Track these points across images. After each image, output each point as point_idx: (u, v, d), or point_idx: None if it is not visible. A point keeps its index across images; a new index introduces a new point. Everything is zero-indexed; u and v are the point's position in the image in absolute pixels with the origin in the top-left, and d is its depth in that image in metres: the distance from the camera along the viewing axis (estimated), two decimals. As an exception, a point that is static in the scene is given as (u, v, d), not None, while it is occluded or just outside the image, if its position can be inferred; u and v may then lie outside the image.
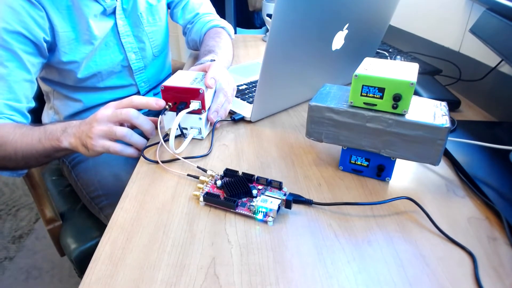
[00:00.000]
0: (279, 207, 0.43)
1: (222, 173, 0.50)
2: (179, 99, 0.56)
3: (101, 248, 0.40)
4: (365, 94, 0.46)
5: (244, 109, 0.70)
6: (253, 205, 0.43)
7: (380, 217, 0.44)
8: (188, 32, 1.01)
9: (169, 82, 0.57)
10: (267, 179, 0.48)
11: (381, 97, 0.45)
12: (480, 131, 0.63)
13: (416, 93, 0.73)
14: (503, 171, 0.52)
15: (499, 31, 0.65)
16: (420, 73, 0.81)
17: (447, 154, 0.57)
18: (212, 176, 0.50)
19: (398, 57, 0.93)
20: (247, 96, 0.75)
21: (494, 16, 0.68)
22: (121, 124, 0.55)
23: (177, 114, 0.55)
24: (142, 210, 0.45)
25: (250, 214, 0.44)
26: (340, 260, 0.38)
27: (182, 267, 0.37)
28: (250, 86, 0.81)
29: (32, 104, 0.70)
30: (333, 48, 0.69)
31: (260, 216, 0.43)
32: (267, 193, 0.46)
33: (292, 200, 0.45)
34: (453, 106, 0.73)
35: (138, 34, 0.85)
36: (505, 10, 0.65)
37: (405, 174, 0.52)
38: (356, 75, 0.45)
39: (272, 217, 0.43)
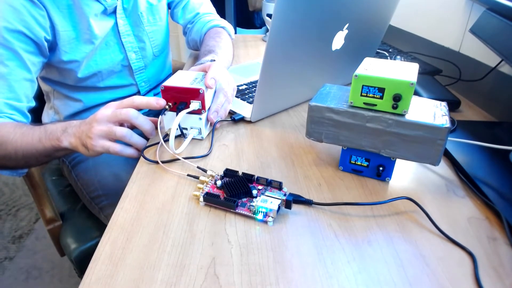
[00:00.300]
0: (279, 207, 0.43)
1: (222, 173, 0.50)
2: (179, 99, 0.56)
3: (101, 248, 0.40)
4: (365, 94, 0.46)
5: (244, 109, 0.70)
6: (253, 205, 0.43)
7: (380, 217, 0.44)
8: (188, 32, 1.01)
9: (169, 82, 0.57)
10: (267, 179, 0.48)
11: (381, 97, 0.45)
12: (480, 131, 0.63)
13: (416, 93, 0.73)
14: (503, 171, 0.52)
15: (499, 31, 0.65)
16: (420, 73, 0.81)
17: (447, 154, 0.57)
18: (212, 176, 0.50)
19: (398, 57, 0.93)
20: (247, 96, 0.75)
21: (494, 16, 0.68)
22: (121, 124, 0.55)
23: (177, 114, 0.55)
24: (142, 210, 0.45)
25: (250, 214, 0.44)
26: (340, 260, 0.38)
27: (182, 267, 0.37)
28: (250, 86, 0.81)
29: (33, 103, 0.70)
30: (333, 48, 0.69)
31: (260, 216, 0.43)
32: (267, 193, 0.46)
33: (292, 200, 0.45)
34: (453, 106, 0.73)
35: (138, 34, 0.85)
36: (505, 10, 0.65)
37: (405, 174, 0.53)
38: (356, 75, 0.45)
39: (272, 217, 0.43)
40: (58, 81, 0.80)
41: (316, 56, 0.67)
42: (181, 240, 0.40)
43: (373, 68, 0.47)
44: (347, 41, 0.70)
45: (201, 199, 0.45)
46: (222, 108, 0.62)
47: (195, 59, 1.00)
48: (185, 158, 0.54)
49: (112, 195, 0.76)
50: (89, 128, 0.54)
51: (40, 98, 0.88)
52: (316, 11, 0.58)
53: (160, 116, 0.57)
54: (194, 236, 0.41)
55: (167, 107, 0.56)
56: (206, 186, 0.48)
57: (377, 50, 0.97)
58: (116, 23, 0.80)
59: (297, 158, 0.56)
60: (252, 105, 0.66)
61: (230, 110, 0.68)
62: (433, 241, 0.41)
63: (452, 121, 0.65)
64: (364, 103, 0.46)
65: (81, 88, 0.82)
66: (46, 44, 0.70)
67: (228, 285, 0.35)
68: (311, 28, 0.60)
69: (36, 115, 0.89)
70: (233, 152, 0.57)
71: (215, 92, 0.62)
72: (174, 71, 1.05)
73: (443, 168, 0.55)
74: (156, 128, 0.59)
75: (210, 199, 0.45)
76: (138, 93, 0.91)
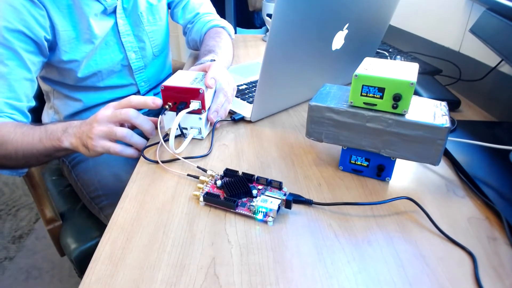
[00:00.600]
0: (279, 207, 0.43)
1: (222, 173, 0.50)
2: (179, 99, 0.56)
3: (101, 248, 0.40)
4: (365, 94, 0.46)
5: (244, 109, 0.70)
6: (253, 205, 0.43)
7: (380, 217, 0.44)
8: (188, 32, 1.01)
9: (169, 82, 0.57)
10: (267, 179, 0.48)
11: (381, 97, 0.45)
12: (480, 131, 0.63)
13: (416, 93, 0.73)
14: (503, 171, 0.52)
15: (499, 31, 0.65)
16: (420, 73, 0.81)
17: (447, 154, 0.57)
18: (212, 176, 0.50)
19: (398, 57, 0.93)
20: (247, 96, 0.75)
21: (494, 16, 0.68)
22: (122, 125, 0.56)
23: (177, 114, 0.55)
24: (142, 210, 0.45)
25: (250, 214, 0.44)
26: (340, 260, 0.38)
27: (182, 267, 0.37)
28: (250, 86, 0.81)
29: (33, 103, 0.70)
30: (333, 48, 0.69)
31: (260, 216, 0.43)
32: (267, 193, 0.46)
33: (292, 200, 0.45)
34: (453, 106, 0.73)
35: (138, 34, 0.85)
36: (505, 10, 0.65)
37: (405, 174, 0.52)
38: (356, 75, 0.45)
39: (272, 217, 0.43)
40: (58, 81, 0.80)
41: (316, 56, 0.67)
42: (181, 240, 0.40)
43: (373, 68, 0.47)
44: (347, 41, 0.70)
45: (201, 199, 0.45)
46: (222, 108, 0.62)
47: (195, 59, 1.00)
48: (185, 158, 0.54)
49: (112, 195, 0.76)
50: (89, 129, 0.54)
51: (40, 98, 0.88)
52: (316, 11, 0.58)
53: (160, 116, 0.57)
54: (194, 236, 0.41)
55: (167, 107, 0.56)
56: (206, 186, 0.48)
57: (377, 50, 0.97)
58: (116, 23, 0.80)
59: (297, 158, 0.56)
60: (252, 105, 0.66)
61: (230, 110, 0.68)
62: (433, 241, 0.41)
63: (452, 121, 0.65)
64: (364, 103, 0.46)
65: (81, 88, 0.82)
66: (46, 43, 0.70)
67: (228, 285, 0.35)
68: (311, 28, 0.60)
69: (36, 115, 0.89)
70: (233, 152, 0.57)
71: (215, 92, 0.62)
72: (174, 71, 1.05)
73: (443, 168, 0.55)
74: (156, 128, 0.59)
75: (210, 199, 0.45)
76: (138, 93, 0.91)
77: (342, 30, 0.67)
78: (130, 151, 0.56)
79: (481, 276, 0.36)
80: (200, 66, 0.65)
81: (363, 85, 0.45)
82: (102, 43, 0.79)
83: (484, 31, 0.70)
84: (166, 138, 0.58)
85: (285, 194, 0.46)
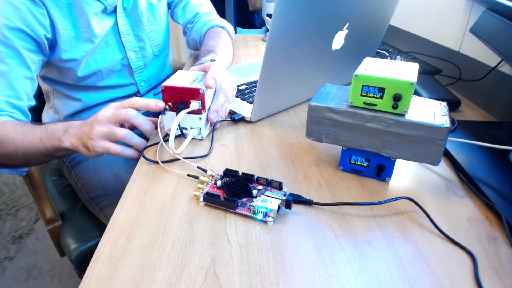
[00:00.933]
0: (279, 207, 0.43)
1: (222, 173, 0.50)
2: (179, 99, 0.56)
3: (101, 248, 0.40)
4: (365, 94, 0.46)
5: (244, 109, 0.70)
6: (253, 205, 0.43)
7: (380, 217, 0.44)
8: (188, 31, 1.01)
9: (169, 82, 0.57)
10: (267, 179, 0.48)
11: (381, 97, 0.45)
12: (480, 131, 0.63)
13: (416, 93, 0.73)
14: (503, 171, 0.52)
15: (499, 31, 0.65)
16: (420, 73, 0.81)
17: (447, 154, 0.57)
18: (212, 176, 0.50)
19: (398, 57, 0.93)
20: (247, 96, 0.75)
21: (494, 16, 0.68)
22: (122, 125, 0.56)
23: (177, 114, 0.55)
24: (142, 210, 0.45)
25: (250, 214, 0.44)
26: (340, 260, 0.38)
27: (182, 267, 0.37)
28: (250, 86, 0.81)
29: (33, 102, 0.70)
30: (333, 48, 0.69)
31: (260, 216, 0.43)
32: (267, 193, 0.46)
33: (292, 200, 0.45)
34: (453, 106, 0.73)
35: (138, 33, 0.85)
36: (505, 10, 0.65)
37: (405, 174, 0.53)
38: (356, 75, 0.45)
39: (272, 217, 0.43)
40: (57, 80, 0.80)
41: (316, 56, 0.67)
42: (181, 240, 0.40)
43: (373, 68, 0.47)
44: (347, 41, 0.70)
45: (201, 199, 0.45)
46: (222, 108, 0.62)
47: (195, 59, 1.00)
48: (185, 158, 0.54)
49: (112, 195, 0.76)
50: (90, 129, 0.54)
51: (40, 97, 0.88)
52: (316, 11, 0.58)
53: (160, 116, 0.57)
54: (194, 236, 0.41)
55: (167, 107, 0.56)
56: (206, 186, 0.48)
57: (377, 50, 0.97)
58: (116, 22, 0.80)
59: (297, 158, 0.56)
60: (252, 105, 0.66)
61: (230, 110, 0.67)
62: (433, 241, 0.41)
63: (452, 121, 0.65)
64: (364, 103, 0.46)
65: (81, 87, 0.82)
66: (46, 42, 0.70)
67: (228, 285, 0.35)
68: (311, 28, 0.60)
69: (36, 115, 0.89)
70: (233, 152, 0.57)
71: (215, 92, 0.62)
72: (174, 71, 1.05)
73: (443, 168, 0.55)
74: (156, 128, 0.59)
75: (210, 199, 0.45)
76: (137, 92, 0.91)
77: (342, 30, 0.67)
78: (130, 152, 0.56)
79: (481, 276, 0.36)
80: (200, 66, 0.65)
81: (363, 85, 0.45)
82: (102, 42, 0.79)
83: (484, 31, 0.70)
84: (166, 138, 0.58)
85: (285, 194, 0.46)
